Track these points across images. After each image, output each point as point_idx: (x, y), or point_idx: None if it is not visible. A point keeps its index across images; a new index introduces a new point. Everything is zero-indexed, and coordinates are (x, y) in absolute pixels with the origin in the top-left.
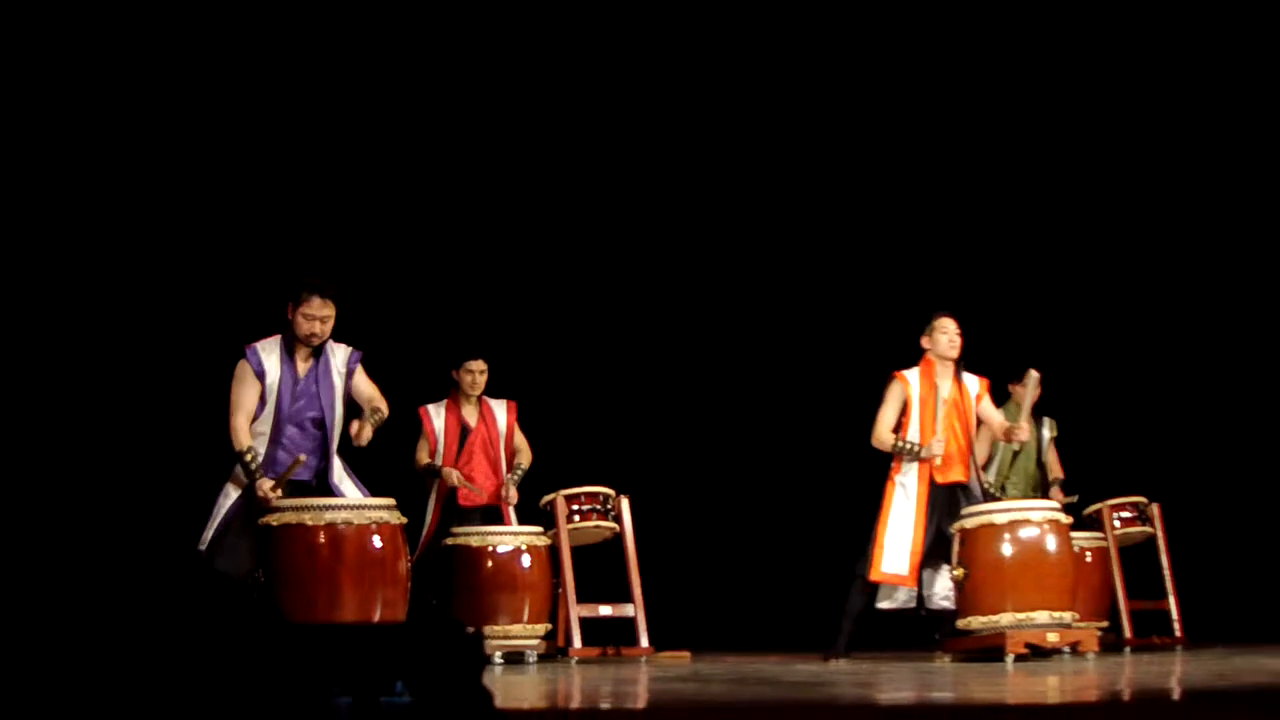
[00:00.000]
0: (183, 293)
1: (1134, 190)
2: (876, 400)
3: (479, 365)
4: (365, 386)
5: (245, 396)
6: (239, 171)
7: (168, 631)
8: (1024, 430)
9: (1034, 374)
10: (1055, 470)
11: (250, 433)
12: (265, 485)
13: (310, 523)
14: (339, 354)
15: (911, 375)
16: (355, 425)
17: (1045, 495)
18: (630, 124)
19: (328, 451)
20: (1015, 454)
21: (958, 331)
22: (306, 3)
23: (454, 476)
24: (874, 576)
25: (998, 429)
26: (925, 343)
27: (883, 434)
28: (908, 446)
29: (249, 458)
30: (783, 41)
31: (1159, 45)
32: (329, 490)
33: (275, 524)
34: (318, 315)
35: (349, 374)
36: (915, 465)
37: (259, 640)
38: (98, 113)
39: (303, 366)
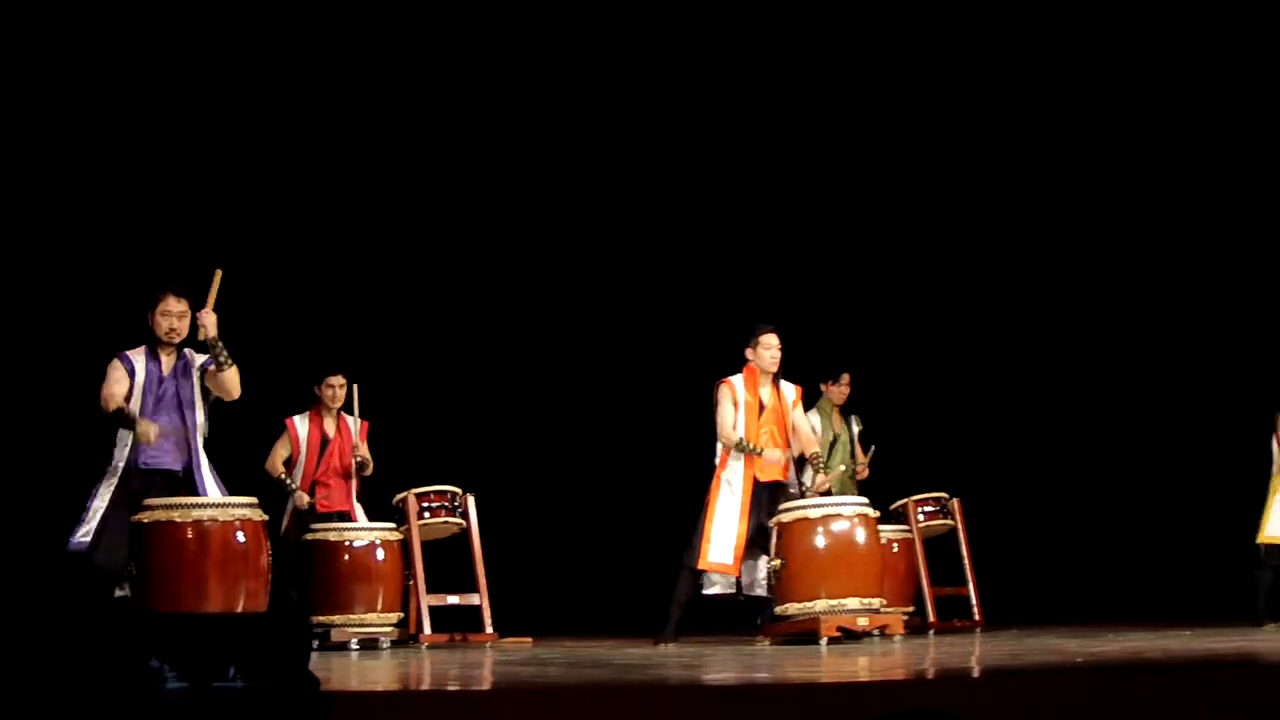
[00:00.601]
0: (54, 296)
1: (931, 203)
2: (700, 403)
3: (339, 380)
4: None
5: (115, 384)
6: (107, 181)
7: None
8: (822, 480)
9: None
10: (861, 469)
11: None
12: (149, 430)
13: (179, 519)
14: (199, 359)
15: (736, 381)
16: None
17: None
18: (468, 142)
19: (192, 447)
20: (831, 449)
21: (779, 346)
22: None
23: (303, 500)
24: (701, 565)
25: (805, 443)
26: (749, 354)
27: (729, 432)
28: (750, 445)
29: (125, 412)
30: (605, 61)
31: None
32: (194, 483)
33: (146, 521)
34: (174, 312)
35: (205, 374)
36: (740, 464)
37: (91, 630)
38: None
39: (166, 366)
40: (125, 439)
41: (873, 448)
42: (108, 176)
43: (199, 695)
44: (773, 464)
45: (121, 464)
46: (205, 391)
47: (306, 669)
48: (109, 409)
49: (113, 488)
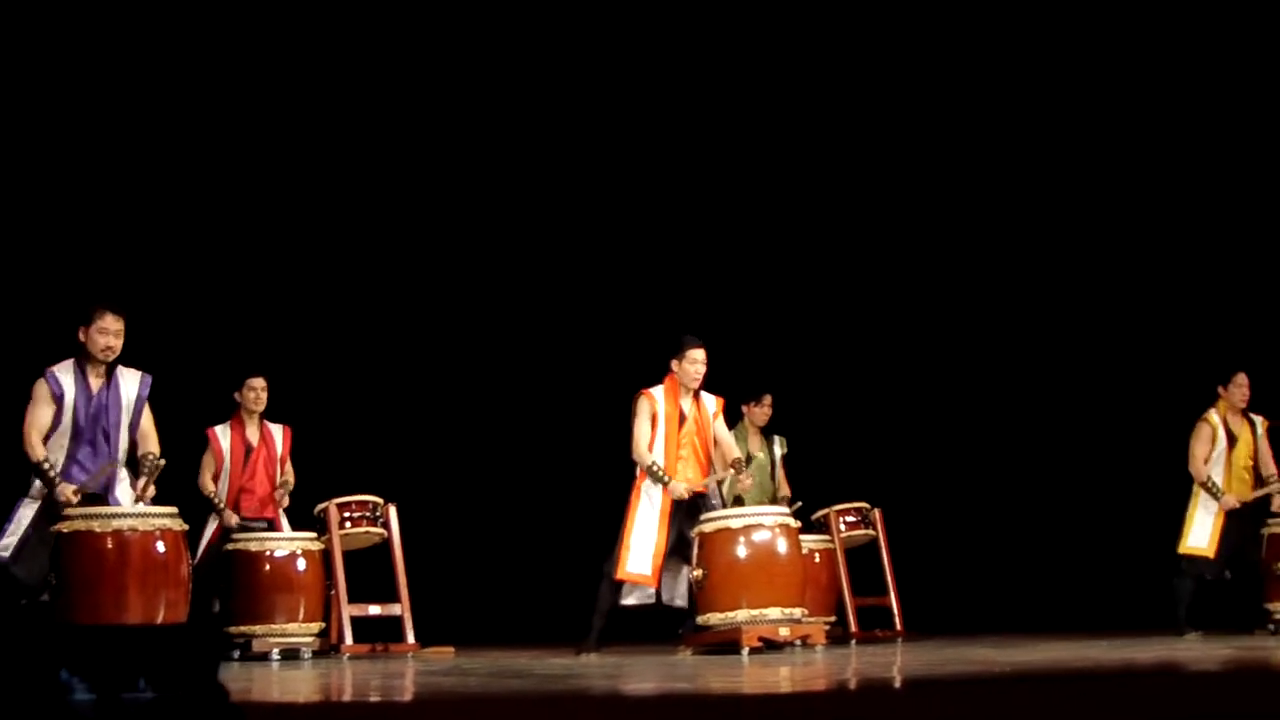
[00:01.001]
0: None
1: (848, 216)
2: (622, 414)
3: (260, 382)
4: (145, 420)
5: (41, 415)
6: (28, 197)
7: None
8: (747, 481)
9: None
10: (783, 488)
11: (45, 447)
12: (67, 490)
13: (98, 529)
14: (130, 378)
15: (657, 393)
16: (140, 484)
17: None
18: (387, 146)
19: (112, 470)
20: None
21: (704, 362)
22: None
23: (231, 519)
24: (620, 576)
25: (727, 452)
26: (674, 365)
27: (642, 450)
28: (661, 473)
29: (46, 466)
30: (528, 73)
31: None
32: (108, 501)
33: (66, 530)
34: (111, 330)
35: (142, 398)
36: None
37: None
38: None
39: (95, 385)
40: (57, 463)
41: (799, 504)
42: (20, 186)
43: (106, 707)
44: (678, 492)
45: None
46: (136, 415)
47: (216, 679)
48: (32, 454)
49: (37, 504)
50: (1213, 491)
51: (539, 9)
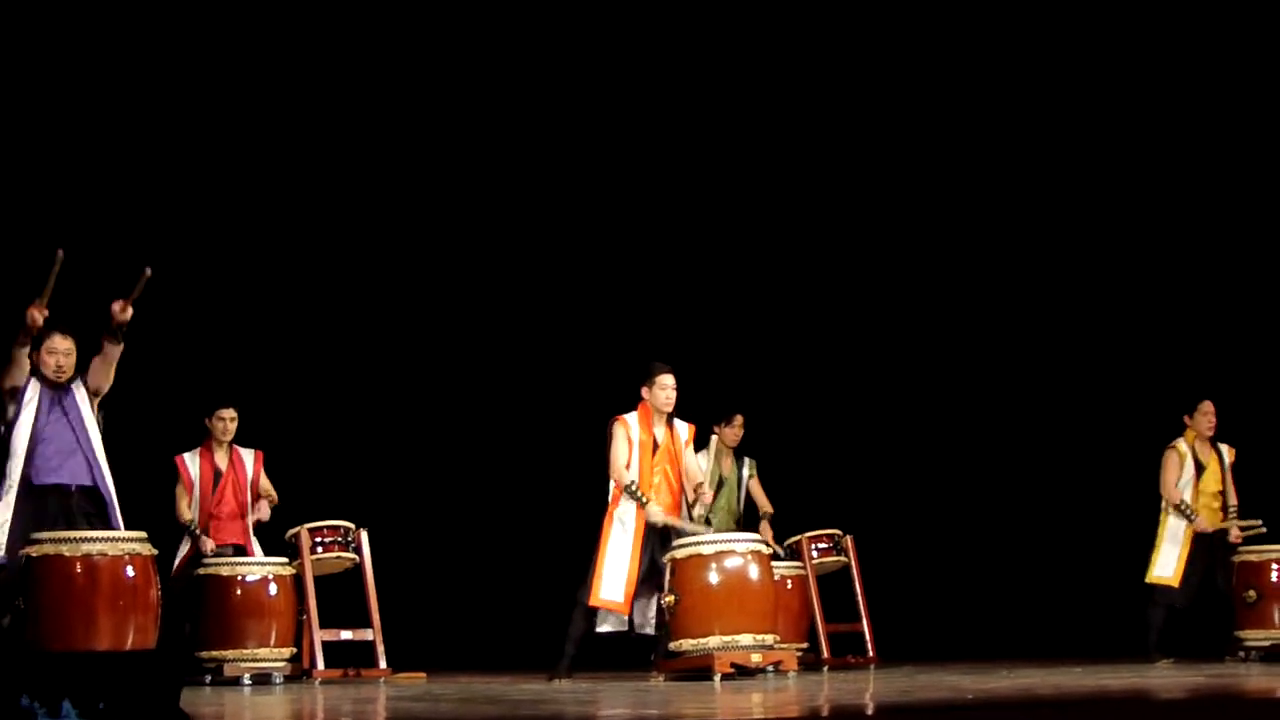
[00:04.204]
0: None
1: (819, 241)
2: (594, 439)
3: (230, 413)
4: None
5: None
6: None
7: None
8: (708, 496)
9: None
10: (765, 505)
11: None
12: (33, 311)
13: (67, 554)
14: (83, 388)
15: (631, 419)
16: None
17: (748, 528)
18: (358, 168)
19: (91, 460)
20: (718, 490)
21: (674, 386)
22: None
23: (208, 546)
24: (593, 602)
25: (692, 476)
26: (645, 392)
27: (620, 470)
28: (638, 491)
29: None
30: (498, 93)
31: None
32: (101, 499)
33: (35, 555)
34: (59, 350)
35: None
36: (633, 502)
37: None
38: None
39: (55, 394)
40: (19, 454)
41: (747, 461)
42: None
43: None
44: (654, 516)
45: (16, 477)
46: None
47: (178, 706)
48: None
49: (13, 504)
50: (1185, 514)
51: (488, 40)
